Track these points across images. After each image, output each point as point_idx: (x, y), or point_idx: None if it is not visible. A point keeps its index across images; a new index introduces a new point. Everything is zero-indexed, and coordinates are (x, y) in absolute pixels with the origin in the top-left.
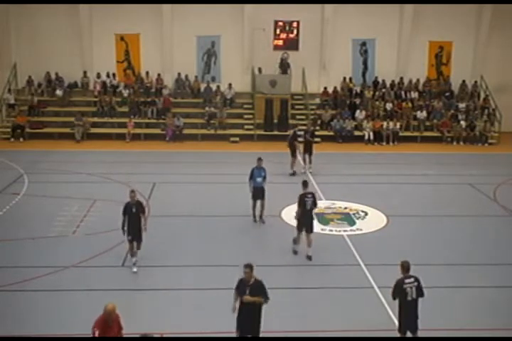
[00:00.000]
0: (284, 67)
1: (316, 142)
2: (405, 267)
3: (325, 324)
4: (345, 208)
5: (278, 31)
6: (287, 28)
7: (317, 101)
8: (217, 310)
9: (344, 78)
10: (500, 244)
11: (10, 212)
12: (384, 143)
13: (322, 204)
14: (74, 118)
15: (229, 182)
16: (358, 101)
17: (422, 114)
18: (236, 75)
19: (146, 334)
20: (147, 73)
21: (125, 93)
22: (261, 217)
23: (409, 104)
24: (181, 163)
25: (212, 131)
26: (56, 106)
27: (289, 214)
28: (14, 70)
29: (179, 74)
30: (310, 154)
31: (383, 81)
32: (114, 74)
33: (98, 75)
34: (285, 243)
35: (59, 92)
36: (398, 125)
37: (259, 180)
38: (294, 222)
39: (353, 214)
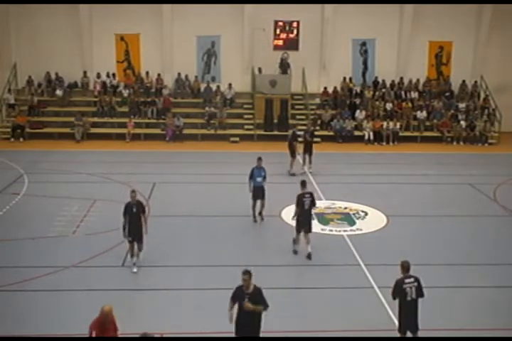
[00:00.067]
0: (284, 67)
1: (316, 142)
2: (405, 267)
3: (325, 324)
4: (345, 208)
5: (278, 31)
6: (287, 28)
7: (317, 101)
8: (217, 310)
9: (344, 78)
10: (500, 244)
11: (10, 212)
12: (384, 143)
13: (322, 204)
14: (74, 118)
15: (229, 182)
16: (358, 101)
17: (422, 114)
18: (236, 75)
19: (146, 334)
20: (147, 73)
21: (125, 93)
22: (260, 213)
23: (409, 104)
24: (181, 163)
25: (212, 131)
26: (56, 106)
27: (289, 214)
28: (14, 70)
29: (179, 74)
30: (310, 154)
31: (383, 81)
32: (114, 74)
33: (98, 75)
34: (285, 243)
35: (59, 92)
36: (398, 125)
37: (259, 179)
38: (293, 222)
39: (353, 214)
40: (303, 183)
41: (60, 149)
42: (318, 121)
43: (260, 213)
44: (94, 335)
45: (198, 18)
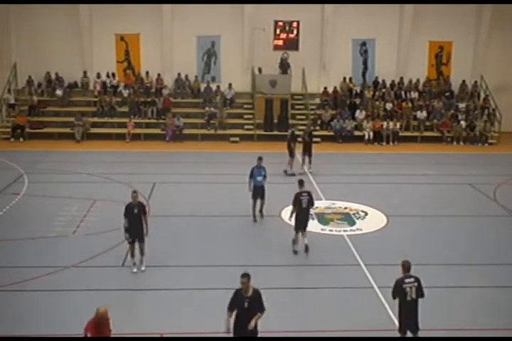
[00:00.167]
0: (284, 67)
1: (316, 142)
2: (406, 267)
3: (325, 324)
4: (345, 208)
5: (278, 31)
6: (287, 28)
7: (317, 101)
8: (217, 310)
9: (344, 78)
10: (500, 244)
11: (10, 212)
12: (384, 143)
13: (322, 204)
14: (74, 118)
15: (229, 182)
16: (358, 101)
17: (422, 114)
18: (236, 75)
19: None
20: (147, 73)
21: (125, 93)
22: (261, 210)
23: (409, 104)
24: (181, 163)
25: (212, 131)
26: (56, 106)
27: (289, 214)
28: (14, 70)
29: (179, 74)
30: (309, 155)
31: (383, 81)
32: (114, 74)
33: (98, 75)
34: (285, 243)
35: (59, 92)
36: (398, 125)
37: (259, 178)
38: (292, 222)
39: (353, 214)
40: (300, 182)
41: (60, 149)
42: (318, 121)
43: (261, 211)
44: (89, 336)
45: (198, 18)
